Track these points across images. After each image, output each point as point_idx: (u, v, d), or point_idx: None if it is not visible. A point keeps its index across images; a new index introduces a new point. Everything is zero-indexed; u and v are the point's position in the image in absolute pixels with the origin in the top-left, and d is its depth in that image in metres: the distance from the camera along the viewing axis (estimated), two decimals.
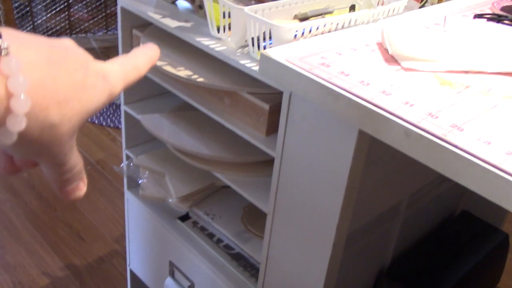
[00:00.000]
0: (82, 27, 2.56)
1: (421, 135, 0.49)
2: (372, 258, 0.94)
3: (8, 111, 0.25)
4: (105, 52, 2.41)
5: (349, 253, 0.77)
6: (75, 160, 0.31)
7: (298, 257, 0.77)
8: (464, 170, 0.46)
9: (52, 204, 1.68)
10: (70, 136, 0.28)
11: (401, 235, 0.95)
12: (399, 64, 0.63)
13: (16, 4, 2.36)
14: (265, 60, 0.62)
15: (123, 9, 0.94)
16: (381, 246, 0.94)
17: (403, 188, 0.87)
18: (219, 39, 0.79)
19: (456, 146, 0.47)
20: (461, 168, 0.47)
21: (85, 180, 0.33)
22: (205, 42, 0.79)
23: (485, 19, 0.82)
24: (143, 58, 0.35)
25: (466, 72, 0.63)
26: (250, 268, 0.96)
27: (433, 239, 1.05)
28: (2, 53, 0.24)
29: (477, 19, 0.82)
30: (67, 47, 0.29)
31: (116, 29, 0.99)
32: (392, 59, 0.64)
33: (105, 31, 2.62)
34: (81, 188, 0.32)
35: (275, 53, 0.62)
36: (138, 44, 0.94)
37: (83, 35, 2.56)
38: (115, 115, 2.14)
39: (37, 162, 0.30)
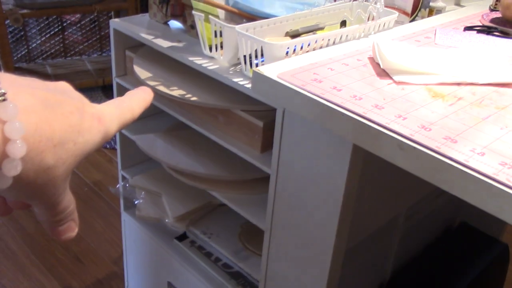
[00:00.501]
0: (76, 49, 2.58)
1: (414, 148, 0.49)
2: (372, 272, 0.93)
3: (4, 155, 0.25)
4: (99, 73, 2.42)
5: (348, 268, 0.77)
6: (68, 201, 0.31)
7: (297, 274, 0.76)
8: (459, 181, 0.46)
9: None
10: (64, 178, 0.29)
11: (400, 249, 0.94)
12: (391, 78, 0.63)
13: (11, 29, 2.37)
14: (258, 78, 0.62)
15: (115, 31, 0.94)
16: (380, 260, 0.93)
17: (401, 201, 0.86)
18: (211, 58, 0.80)
19: (450, 158, 0.47)
20: (456, 180, 0.46)
21: (77, 220, 0.33)
22: (197, 61, 0.79)
23: (475, 31, 0.82)
24: (137, 100, 0.36)
25: (458, 84, 0.63)
26: (249, 286, 0.95)
27: (433, 251, 1.04)
28: (0, 99, 0.25)
29: (467, 32, 0.82)
30: (63, 91, 0.29)
31: (111, 51, 0.99)
32: (384, 73, 0.64)
33: (99, 53, 2.64)
34: (73, 228, 0.32)
35: (268, 70, 0.62)
36: (131, 65, 0.94)
37: (77, 57, 2.57)
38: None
39: (29, 204, 0.30)
